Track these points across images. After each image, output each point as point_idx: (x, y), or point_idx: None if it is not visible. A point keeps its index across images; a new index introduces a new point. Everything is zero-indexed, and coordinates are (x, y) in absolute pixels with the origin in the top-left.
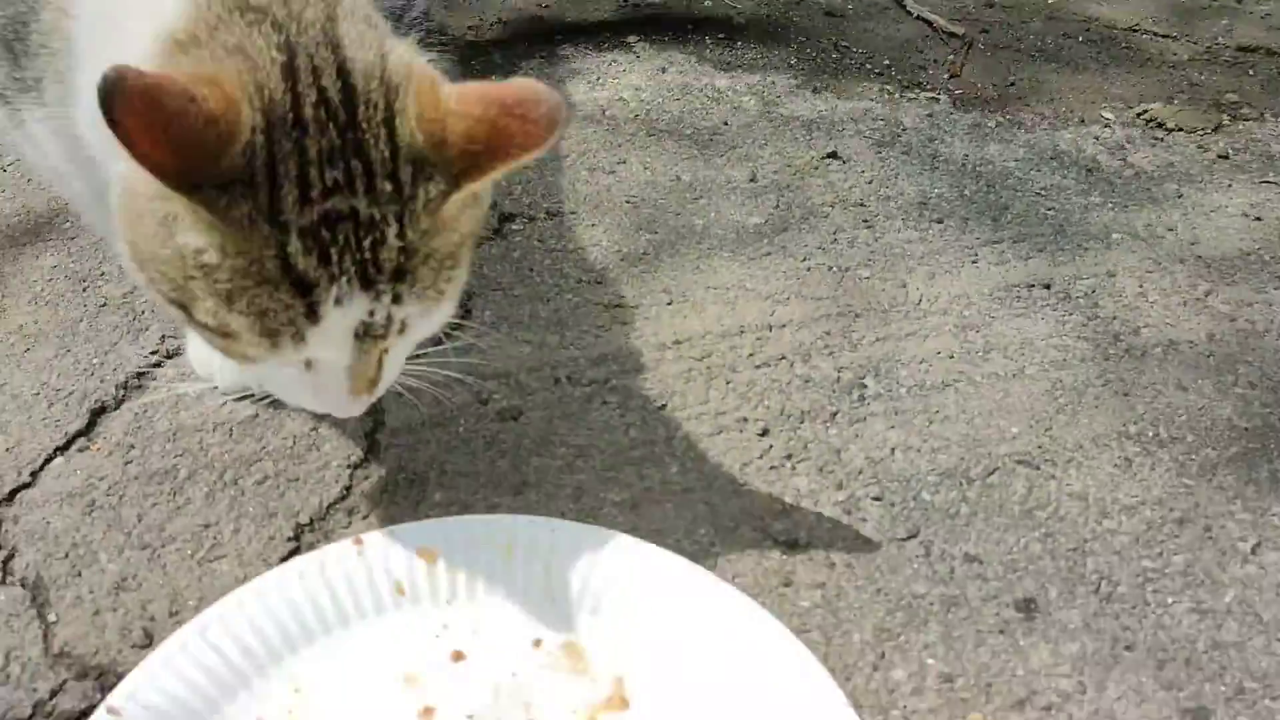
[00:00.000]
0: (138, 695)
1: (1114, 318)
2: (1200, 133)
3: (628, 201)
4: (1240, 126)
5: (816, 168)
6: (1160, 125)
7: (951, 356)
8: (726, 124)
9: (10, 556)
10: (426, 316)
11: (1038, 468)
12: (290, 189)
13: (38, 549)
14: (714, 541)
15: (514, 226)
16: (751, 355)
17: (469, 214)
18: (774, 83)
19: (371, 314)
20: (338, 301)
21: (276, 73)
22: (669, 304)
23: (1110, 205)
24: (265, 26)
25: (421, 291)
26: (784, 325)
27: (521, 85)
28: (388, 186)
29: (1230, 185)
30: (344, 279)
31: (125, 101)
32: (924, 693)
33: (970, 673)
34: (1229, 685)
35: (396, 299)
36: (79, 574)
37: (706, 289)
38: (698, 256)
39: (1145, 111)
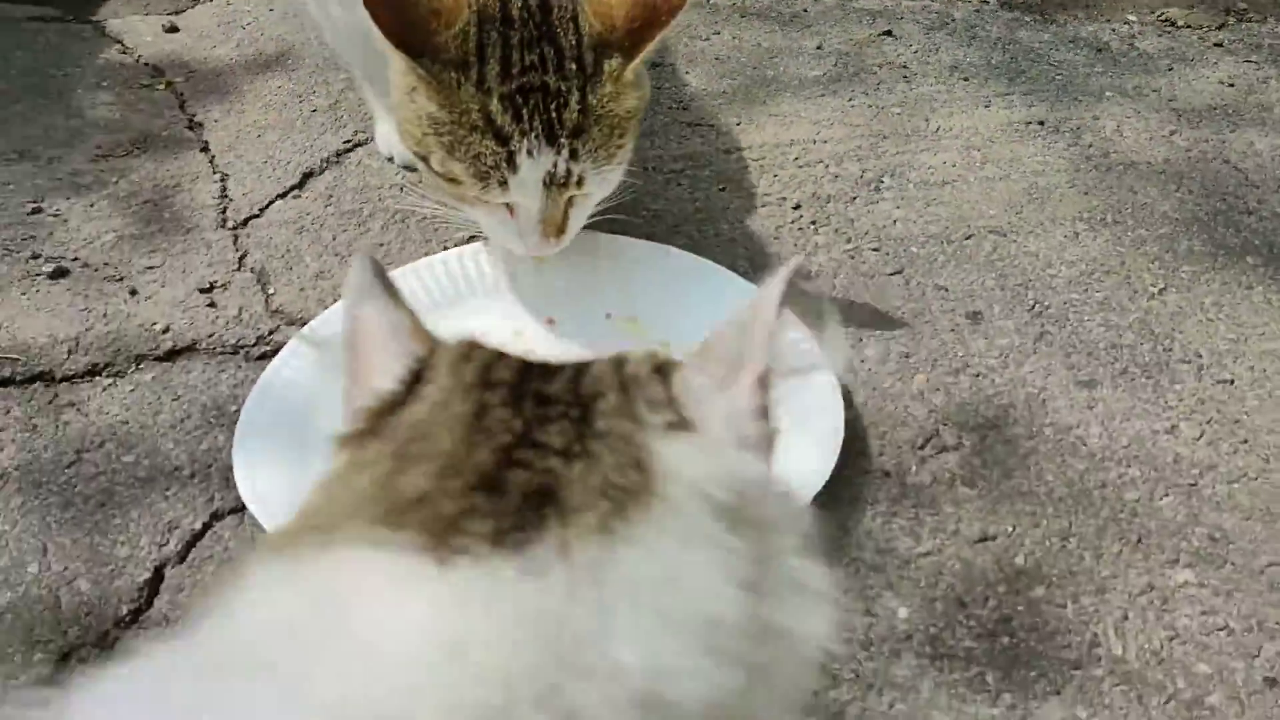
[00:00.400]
0: (319, 329)
1: (1090, 145)
2: (1204, 29)
3: (716, 59)
4: (1244, 26)
5: (873, 42)
6: (1171, 23)
7: (954, 166)
8: (805, 10)
9: (244, 256)
10: (599, 175)
11: (1004, 235)
12: (494, 66)
13: (263, 253)
14: (749, 271)
15: None
16: (796, 159)
17: (633, 92)
18: None
19: (555, 165)
20: (529, 153)
21: None
22: (737, 124)
23: (1110, 74)
24: None
25: (594, 150)
26: (825, 141)
27: None
28: (573, 66)
29: (1216, 64)
30: (533, 134)
31: None
32: (886, 362)
33: (923, 353)
34: (1117, 369)
35: (574, 154)
36: (290, 268)
37: (768, 115)
38: (765, 96)
39: (1163, 14)
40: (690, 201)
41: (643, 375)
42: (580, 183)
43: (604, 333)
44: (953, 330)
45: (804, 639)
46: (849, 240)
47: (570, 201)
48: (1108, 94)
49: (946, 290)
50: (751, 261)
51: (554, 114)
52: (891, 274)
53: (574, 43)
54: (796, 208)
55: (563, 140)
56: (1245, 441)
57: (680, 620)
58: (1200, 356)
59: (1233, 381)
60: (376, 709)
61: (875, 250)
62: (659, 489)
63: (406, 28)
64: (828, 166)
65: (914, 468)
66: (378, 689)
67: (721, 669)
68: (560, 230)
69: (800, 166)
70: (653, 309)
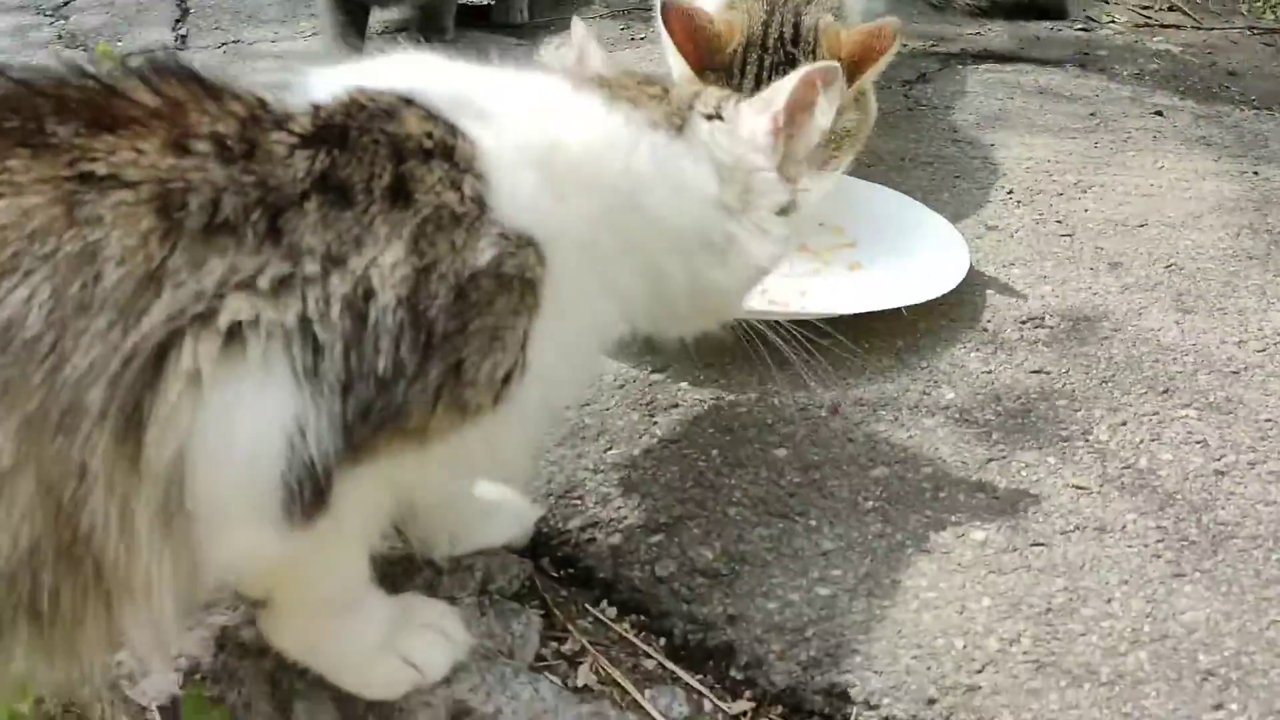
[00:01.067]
0: None
1: None
2: None
3: (995, 109)
4: None
5: (1141, 116)
6: None
7: (1159, 187)
8: (1097, 95)
9: None
10: (817, 178)
11: (1174, 228)
12: (749, 79)
13: None
14: (951, 219)
15: None
16: (1027, 169)
17: (851, 112)
18: None
19: None
20: None
21: (759, 22)
22: (991, 145)
23: None
24: (764, 2)
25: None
26: (1059, 162)
27: (877, 22)
28: None
29: None
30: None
31: (668, 12)
32: (1026, 277)
33: (1058, 277)
34: (1214, 304)
35: None
36: None
37: (1021, 143)
38: (1027, 131)
39: None
40: (929, 180)
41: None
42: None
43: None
44: (1091, 269)
45: (753, 256)
46: (1040, 213)
47: None
48: None
49: (1103, 249)
50: (954, 217)
51: None
52: (1062, 235)
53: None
54: (1010, 193)
55: None
56: None
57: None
58: None
59: None
60: None
61: (1059, 222)
62: (688, 133)
63: (695, 45)
64: (1050, 175)
65: (1008, 332)
66: None
67: (700, 246)
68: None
69: (1026, 171)
70: (867, 236)
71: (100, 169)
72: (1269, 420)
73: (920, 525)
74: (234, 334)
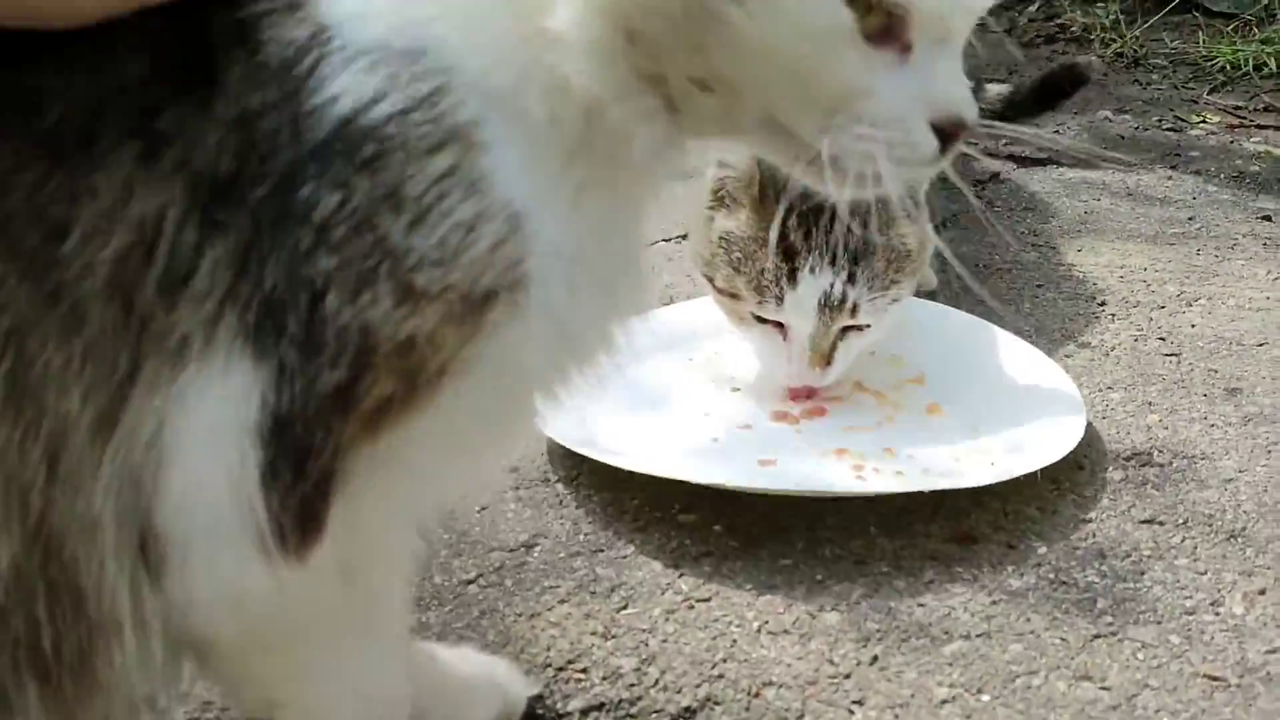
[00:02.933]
0: None
1: None
2: None
3: (1088, 213)
4: None
5: (1247, 220)
6: None
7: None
8: (1194, 198)
9: None
10: (873, 305)
11: None
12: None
13: None
14: (1033, 339)
15: None
16: (1121, 277)
17: (913, 227)
18: None
19: (832, 287)
20: (811, 270)
21: None
22: (1079, 250)
23: None
24: None
25: (871, 278)
26: (1157, 270)
27: None
28: None
29: None
30: (817, 252)
31: None
32: (1128, 404)
33: (1165, 404)
34: None
35: (851, 278)
36: None
37: (1112, 249)
38: (1116, 237)
39: None
40: (1007, 290)
41: None
42: (854, 310)
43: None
44: (1204, 395)
45: None
46: (1139, 329)
47: (842, 334)
48: None
49: (1216, 371)
50: (1037, 331)
51: (840, 235)
52: (1167, 355)
53: None
54: (1102, 304)
55: (843, 262)
56: None
57: None
58: None
59: None
60: None
61: (1162, 339)
62: None
63: None
64: (1148, 285)
65: (1111, 471)
66: None
67: None
68: (827, 361)
69: (1121, 280)
70: (936, 367)
71: None
72: None
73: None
74: None
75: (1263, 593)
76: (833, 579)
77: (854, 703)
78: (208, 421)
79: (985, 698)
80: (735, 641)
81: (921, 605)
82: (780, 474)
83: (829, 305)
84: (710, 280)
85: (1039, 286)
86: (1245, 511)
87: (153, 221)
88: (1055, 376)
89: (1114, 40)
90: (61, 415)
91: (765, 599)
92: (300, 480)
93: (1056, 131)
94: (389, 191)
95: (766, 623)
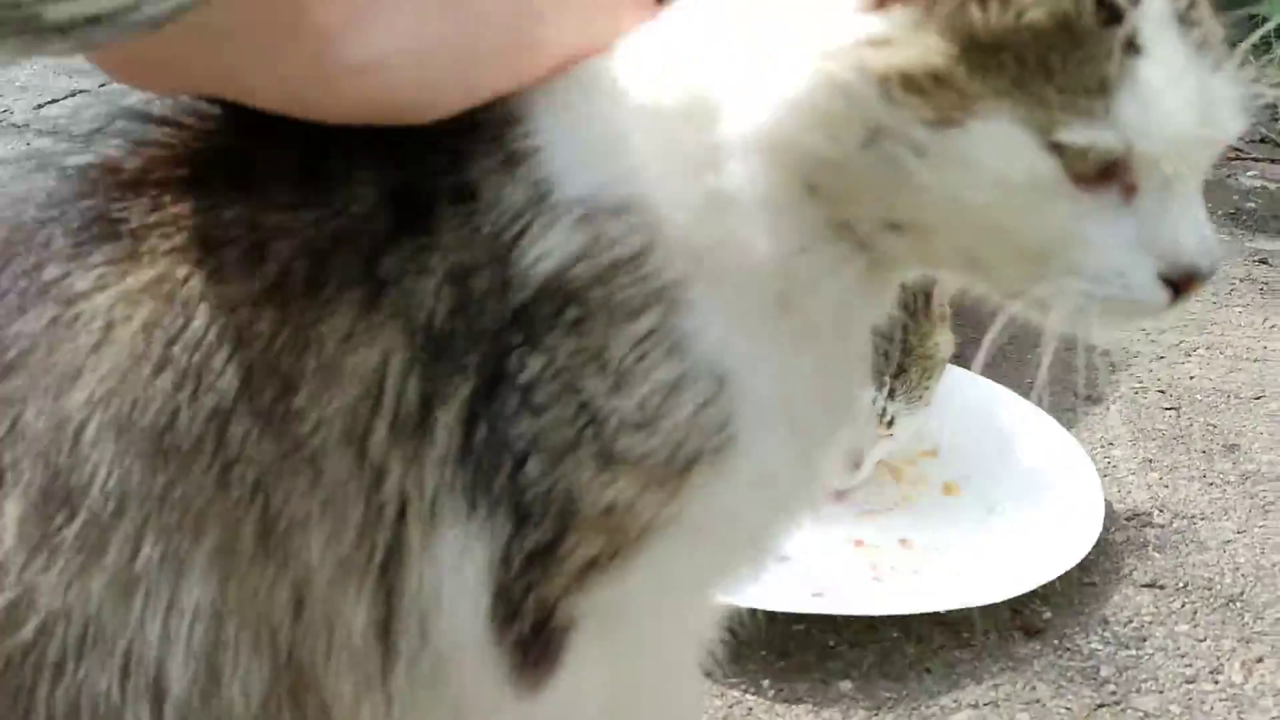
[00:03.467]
0: None
1: None
2: None
3: None
4: None
5: (1247, 264)
6: None
7: (1275, 348)
8: None
9: None
10: (908, 416)
11: None
12: None
13: None
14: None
15: None
16: None
17: (942, 332)
18: None
19: (873, 402)
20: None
21: None
22: None
23: None
24: None
25: (909, 390)
26: None
27: None
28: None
29: None
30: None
31: None
32: (1130, 460)
33: (1166, 462)
34: None
35: (891, 393)
36: None
37: None
38: None
39: None
40: (1006, 340)
41: None
42: (891, 423)
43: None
44: (1203, 452)
45: None
46: (1139, 381)
47: (874, 440)
48: None
49: (1215, 426)
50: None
51: (882, 352)
52: (1166, 409)
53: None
54: (1104, 354)
55: (887, 378)
56: None
57: None
58: None
59: None
60: None
61: (1161, 393)
62: None
63: None
64: (1147, 334)
65: (1113, 532)
66: None
67: None
68: (857, 465)
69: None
70: (949, 438)
71: None
72: None
73: None
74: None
75: (1260, 660)
76: (844, 646)
77: None
78: (458, 571)
79: None
80: (751, 710)
81: (929, 672)
82: (798, 576)
83: (867, 419)
84: None
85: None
86: (1243, 575)
87: (377, 371)
88: (1069, 450)
89: None
90: (304, 563)
91: (779, 666)
92: (514, 624)
93: None
94: (593, 354)
95: (781, 690)
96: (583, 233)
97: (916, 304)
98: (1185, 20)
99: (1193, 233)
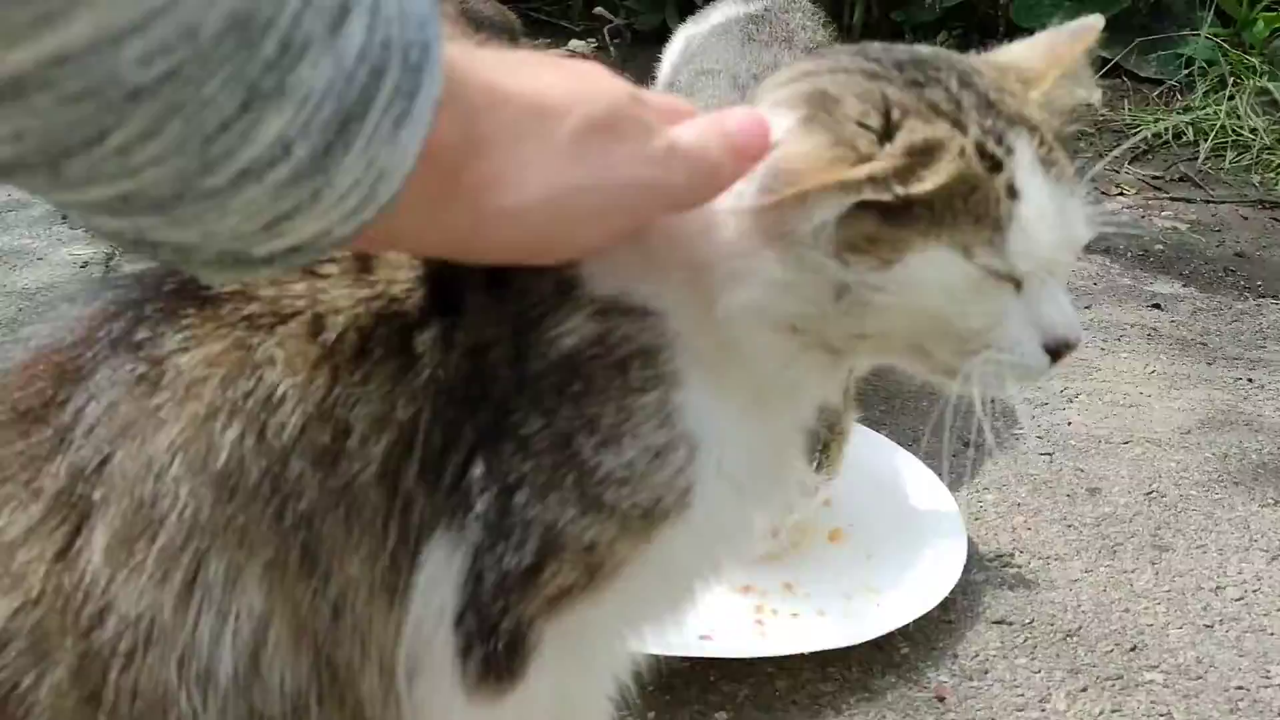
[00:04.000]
0: None
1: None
2: None
3: None
4: None
5: (1137, 310)
6: None
7: (1147, 394)
8: (1093, 287)
9: None
10: (825, 487)
11: (1158, 445)
12: None
13: None
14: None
15: None
16: None
17: (851, 412)
18: None
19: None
20: None
21: None
22: None
23: None
24: None
25: (830, 465)
26: None
27: None
28: None
29: None
30: None
31: None
32: (1000, 504)
33: (1033, 504)
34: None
35: (818, 467)
36: None
37: None
38: None
39: None
40: (895, 386)
41: None
42: (814, 493)
43: None
44: (1069, 495)
45: None
46: (1021, 427)
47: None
48: None
49: (1083, 471)
50: (925, 429)
51: (813, 433)
52: (1042, 454)
53: None
54: (991, 401)
55: (816, 454)
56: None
57: None
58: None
59: None
60: None
61: (1040, 438)
62: None
63: None
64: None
65: (974, 572)
66: None
67: None
68: (774, 535)
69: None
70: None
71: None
72: (1240, 688)
73: None
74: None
75: (1085, 690)
76: (723, 680)
77: None
78: (438, 584)
79: None
80: None
81: (795, 704)
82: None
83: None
84: None
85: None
86: (1083, 611)
87: (411, 422)
88: (944, 500)
89: None
90: (344, 579)
91: (664, 700)
92: (487, 640)
93: None
94: (588, 420)
95: None
96: (600, 324)
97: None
98: (1047, 161)
99: (1062, 315)
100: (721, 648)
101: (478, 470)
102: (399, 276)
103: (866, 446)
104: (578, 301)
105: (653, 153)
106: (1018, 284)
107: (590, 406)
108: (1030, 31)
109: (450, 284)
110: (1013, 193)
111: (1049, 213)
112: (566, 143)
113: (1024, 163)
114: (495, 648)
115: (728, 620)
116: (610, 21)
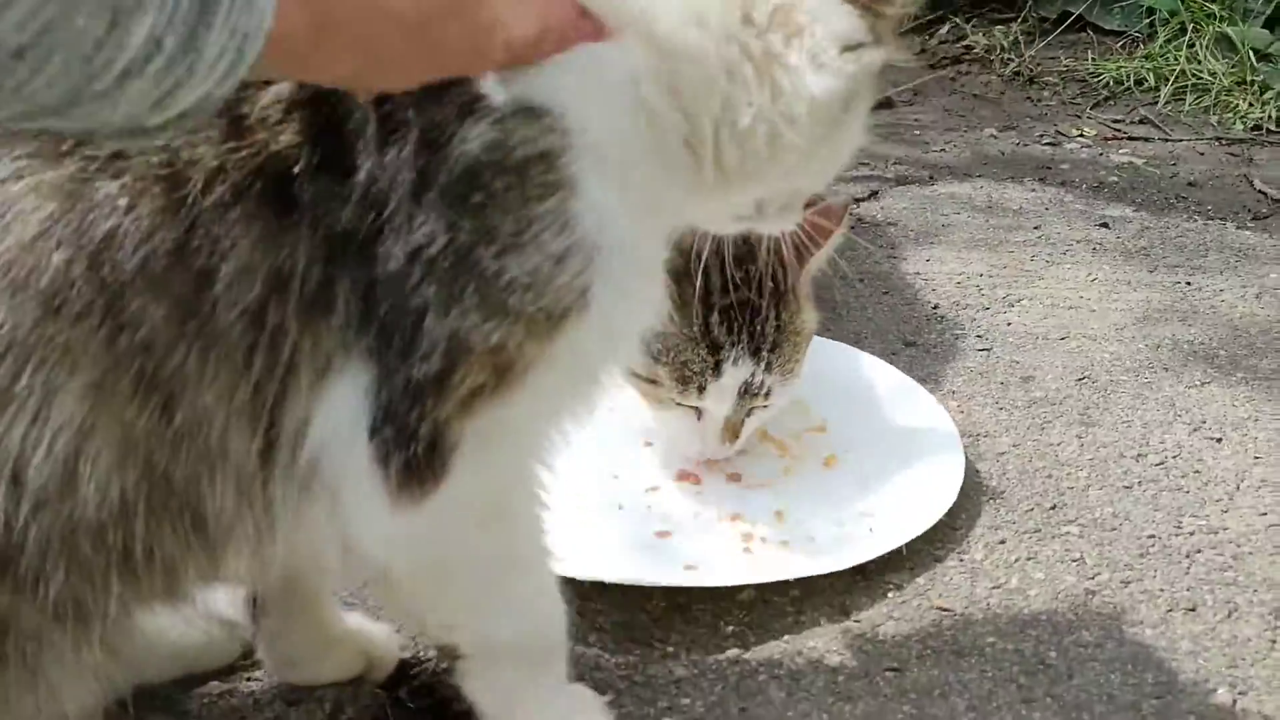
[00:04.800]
0: None
1: (1200, 299)
2: None
3: (958, 234)
4: None
5: (1082, 230)
6: None
7: (1087, 298)
8: (1036, 209)
9: None
10: (783, 388)
11: (1093, 340)
12: (716, 279)
13: None
14: (880, 347)
15: None
16: (958, 284)
17: (807, 310)
18: None
19: (752, 376)
20: (734, 362)
21: None
22: (927, 261)
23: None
24: None
25: (783, 364)
26: (988, 277)
27: (822, 206)
28: (770, 284)
29: None
30: (740, 346)
31: None
32: (935, 393)
33: (965, 390)
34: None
35: (769, 367)
36: None
37: (956, 257)
38: (959, 245)
39: None
40: (855, 299)
41: None
42: (767, 394)
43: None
44: (1001, 384)
45: (803, 86)
46: (960, 328)
47: (750, 411)
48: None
49: (1017, 363)
50: (874, 334)
51: (758, 328)
52: (979, 350)
53: (768, 261)
54: (935, 308)
55: (764, 353)
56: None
57: None
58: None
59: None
60: None
61: (978, 337)
62: None
63: None
64: (979, 290)
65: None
66: None
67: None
68: (735, 436)
69: (956, 286)
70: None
71: None
72: (1151, 536)
73: (777, 652)
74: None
75: (1003, 542)
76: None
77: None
78: (344, 407)
79: (760, 631)
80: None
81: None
82: (672, 550)
83: (748, 392)
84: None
85: (884, 294)
86: (1008, 478)
87: (284, 265)
88: (940, 418)
89: (1012, 59)
90: (197, 408)
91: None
92: (407, 446)
93: (942, 151)
94: (488, 230)
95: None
96: (499, 130)
97: (786, 284)
98: None
99: None
100: (705, 577)
101: (386, 305)
102: (281, 137)
103: (856, 368)
104: (479, 114)
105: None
106: None
107: (491, 218)
108: None
109: (338, 141)
110: None
111: None
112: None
113: None
114: (415, 451)
115: (714, 550)
116: None
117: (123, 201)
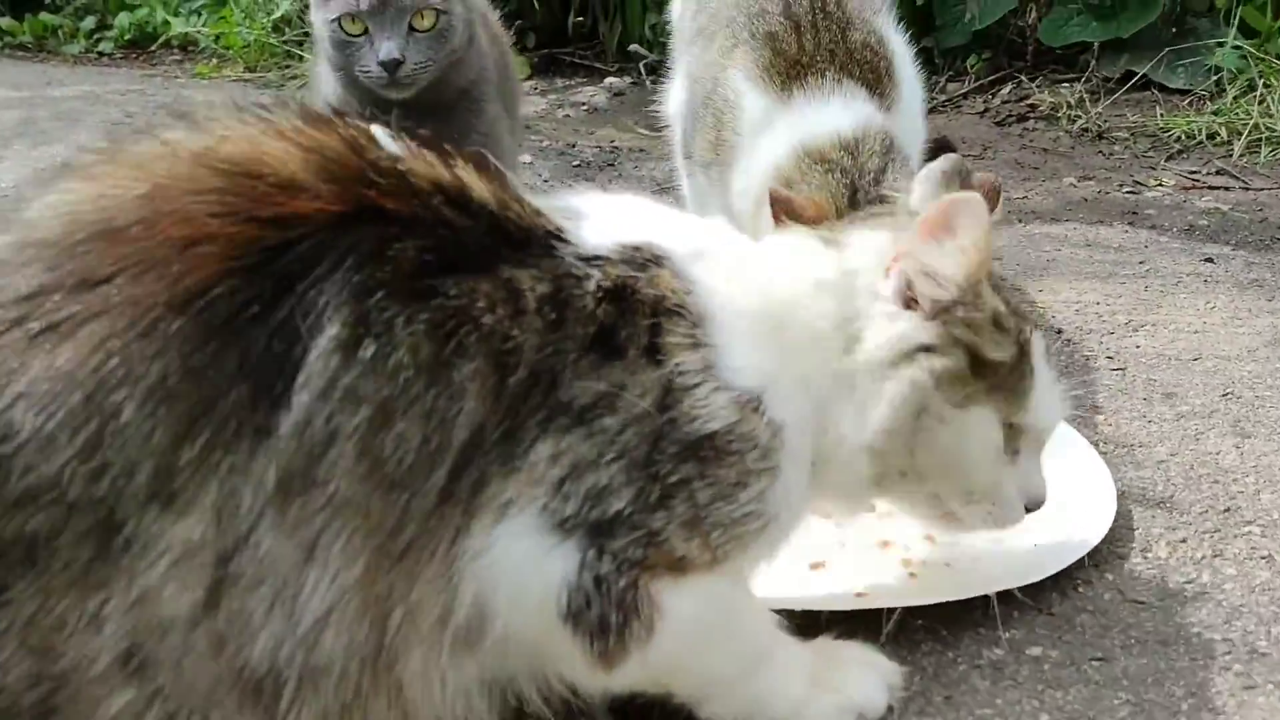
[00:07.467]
0: None
1: None
2: None
3: (1070, 262)
4: None
5: (1192, 264)
6: None
7: (1215, 325)
8: (1146, 246)
9: None
10: None
11: (1229, 361)
12: None
13: None
14: None
15: None
16: (1077, 310)
17: None
18: None
19: None
20: None
21: (843, 197)
22: (1039, 291)
23: None
24: (835, 173)
25: None
26: (1108, 303)
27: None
28: None
29: None
30: None
31: (774, 200)
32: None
33: (1111, 405)
34: (1271, 428)
35: None
36: None
37: (1070, 287)
38: (1074, 277)
39: None
40: None
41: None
42: None
43: None
44: (1144, 399)
45: (868, 416)
46: (1091, 350)
47: None
48: None
49: (1155, 380)
50: None
51: None
52: (1114, 370)
53: None
54: (1059, 333)
55: None
56: None
57: None
58: None
59: None
60: None
61: (1110, 358)
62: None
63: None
64: (1100, 316)
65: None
66: None
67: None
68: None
69: (1076, 313)
70: None
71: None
72: None
73: (973, 642)
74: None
75: (1184, 541)
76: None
77: None
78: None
79: (954, 626)
80: None
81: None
82: (836, 579)
83: None
84: None
85: None
86: (1173, 484)
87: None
88: (1071, 434)
89: (1079, 116)
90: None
91: None
92: (603, 614)
93: (1024, 197)
94: (711, 479)
95: None
96: (738, 415)
97: None
98: (1045, 353)
99: (1040, 479)
100: (884, 600)
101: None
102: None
103: None
104: (719, 383)
105: None
106: (1015, 453)
107: (713, 470)
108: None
109: (612, 333)
110: (1031, 375)
111: (1048, 394)
112: None
113: (1037, 350)
114: (613, 620)
115: (878, 576)
116: (645, 58)
117: (471, 388)
